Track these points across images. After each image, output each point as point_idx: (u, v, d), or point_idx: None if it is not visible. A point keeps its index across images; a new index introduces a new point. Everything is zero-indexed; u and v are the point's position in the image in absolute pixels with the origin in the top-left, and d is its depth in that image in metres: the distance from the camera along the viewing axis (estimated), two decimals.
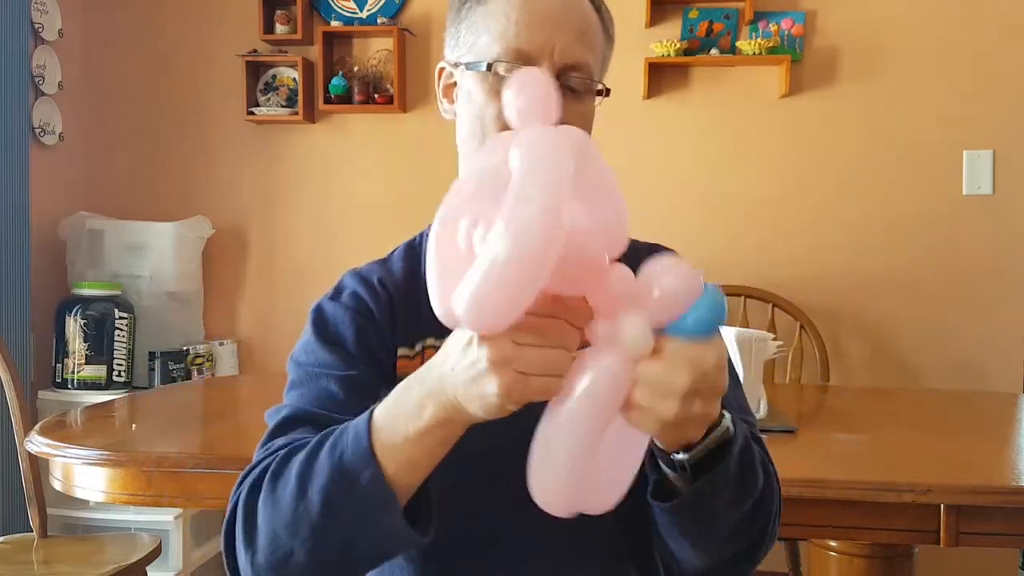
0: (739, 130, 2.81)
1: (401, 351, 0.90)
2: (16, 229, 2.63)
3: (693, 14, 2.78)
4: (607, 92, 0.92)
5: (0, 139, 2.58)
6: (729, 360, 0.97)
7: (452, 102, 0.95)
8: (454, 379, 0.65)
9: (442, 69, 0.97)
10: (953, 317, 2.72)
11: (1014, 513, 1.24)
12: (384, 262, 0.98)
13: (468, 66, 0.90)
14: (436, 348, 0.87)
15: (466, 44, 0.91)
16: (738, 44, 2.72)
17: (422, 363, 0.88)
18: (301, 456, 0.74)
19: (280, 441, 0.81)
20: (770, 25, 2.74)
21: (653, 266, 0.63)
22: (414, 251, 0.98)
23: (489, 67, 0.87)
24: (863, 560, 1.91)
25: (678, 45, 2.72)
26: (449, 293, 0.61)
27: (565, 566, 0.87)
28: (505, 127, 0.87)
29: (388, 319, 0.90)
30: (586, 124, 0.91)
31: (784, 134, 2.79)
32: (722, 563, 0.82)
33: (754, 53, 2.68)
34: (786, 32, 2.74)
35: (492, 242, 0.57)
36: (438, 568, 0.87)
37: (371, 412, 0.72)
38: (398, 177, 2.95)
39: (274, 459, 0.77)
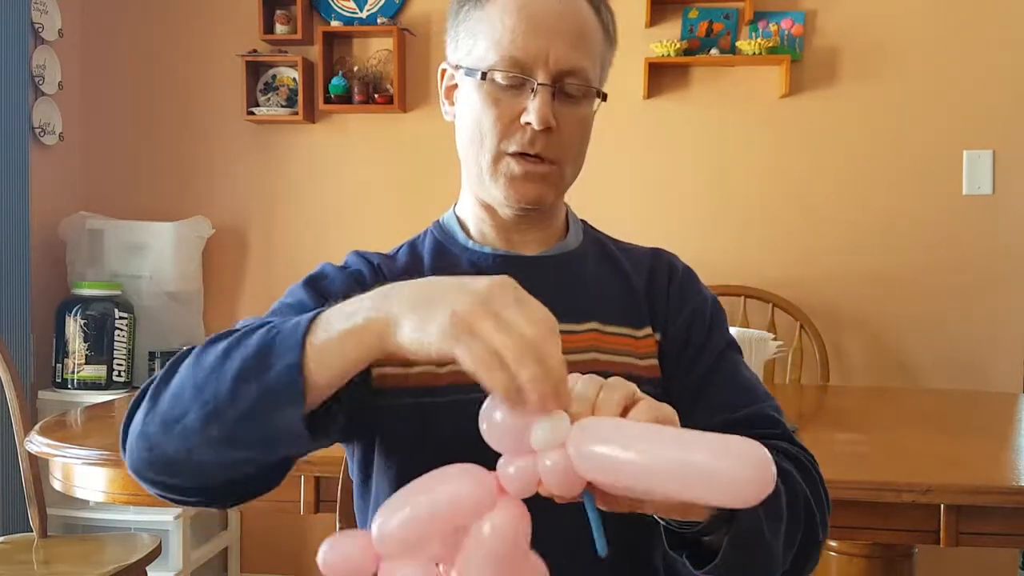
0: (739, 130, 2.81)
1: None
2: (16, 229, 2.63)
3: (693, 14, 2.78)
4: (604, 97, 0.92)
5: (0, 139, 2.58)
6: (739, 348, 0.97)
7: (453, 104, 0.96)
8: (408, 295, 0.63)
9: (444, 70, 0.97)
10: (953, 317, 2.71)
11: (1014, 513, 1.24)
12: (386, 256, 0.99)
13: (467, 72, 0.90)
14: None
15: (465, 47, 0.91)
16: (738, 44, 2.72)
17: None
18: (238, 333, 0.71)
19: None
20: (770, 25, 2.74)
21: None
22: (415, 250, 0.99)
23: (484, 75, 0.87)
24: (863, 560, 1.91)
25: (678, 45, 2.72)
26: None
27: (564, 561, 0.86)
28: (505, 131, 0.88)
29: None
30: (583, 129, 0.92)
31: (784, 134, 2.79)
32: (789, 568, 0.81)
33: (754, 53, 2.68)
34: (786, 32, 2.74)
35: None
36: None
37: (320, 310, 0.68)
38: (398, 177, 2.95)
39: (212, 337, 0.74)
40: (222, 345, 0.69)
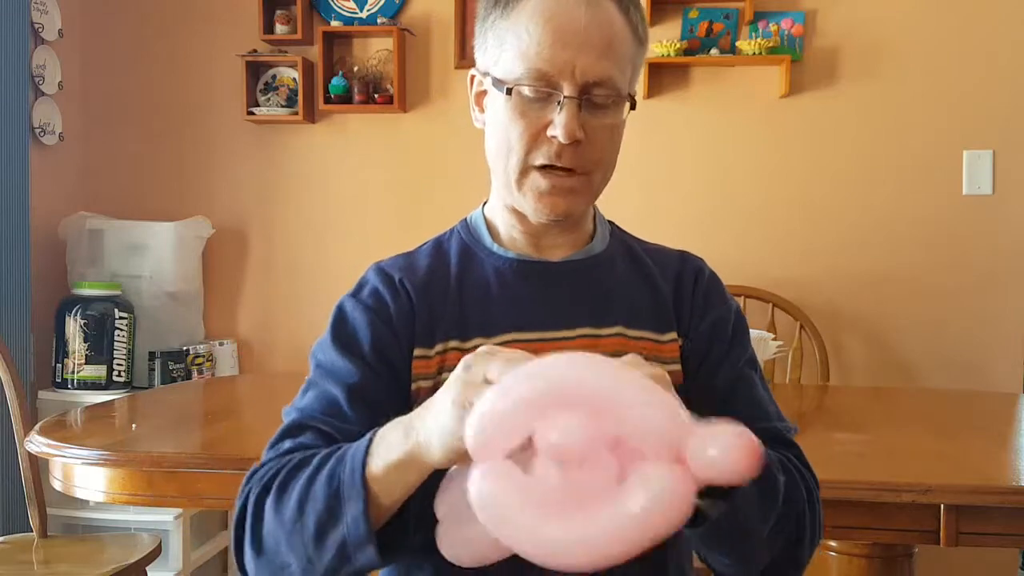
0: (739, 130, 2.81)
1: (418, 351, 0.90)
2: (16, 229, 2.63)
3: (693, 14, 2.78)
4: (633, 103, 0.91)
5: (0, 139, 2.58)
6: (757, 363, 0.97)
7: (483, 111, 0.95)
8: (428, 420, 0.70)
9: (473, 76, 0.96)
10: (953, 317, 2.72)
11: (1014, 513, 1.24)
12: (409, 257, 0.97)
13: (494, 83, 0.90)
14: (459, 350, 0.89)
15: (492, 56, 0.90)
16: (738, 44, 2.72)
17: (440, 364, 0.90)
18: (305, 475, 0.78)
19: (287, 444, 0.84)
20: (770, 25, 2.74)
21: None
22: (441, 248, 0.98)
23: (510, 91, 0.87)
24: (863, 560, 1.91)
25: (678, 45, 2.72)
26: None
27: None
28: (532, 144, 0.87)
29: (407, 320, 0.91)
30: (613, 137, 0.91)
31: (784, 134, 2.79)
32: (769, 566, 0.84)
33: (754, 53, 2.68)
34: (786, 32, 2.74)
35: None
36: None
37: (371, 437, 0.75)
38: (398, 177, 2.95)
39: (282, 466, 0.80)
40: (295, 495, 0.77)
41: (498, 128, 0.90)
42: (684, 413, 0.60)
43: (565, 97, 0.85)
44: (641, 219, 2.82)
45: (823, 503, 0.88)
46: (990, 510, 1.24)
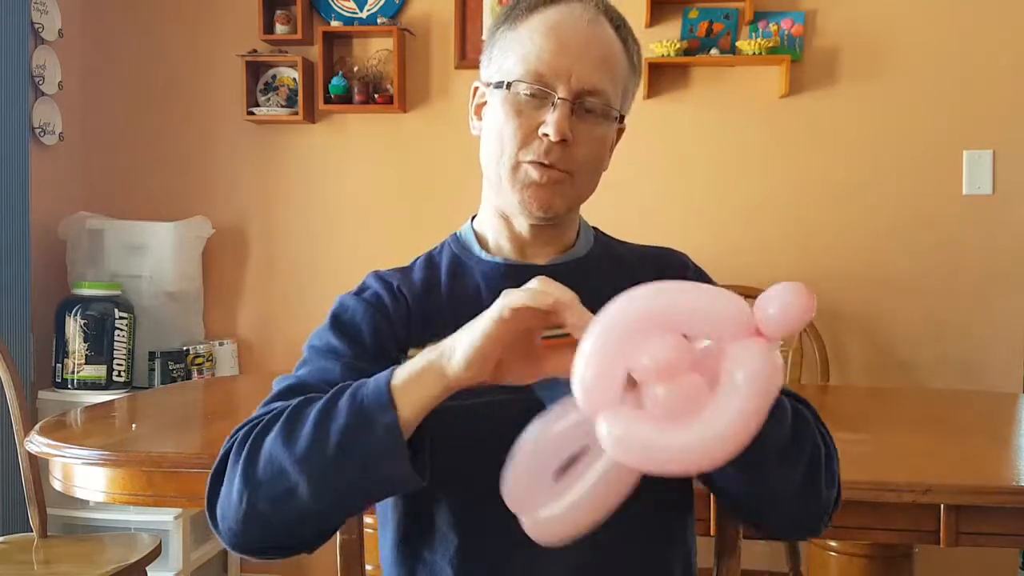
0: (739, 130, 2.81)
1: (411, 352, 0.92)
2: (16, 229, 2.63)
3: (693, 14, 2.78)
4: (622, 121, 0.97)
5: (0, 139, 2.58)
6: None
7: (481, 120, 1.00)
8: (454, 335, 0.75)
9: (476, 88, 1.01)
10: (953, 317, 2.71)
11: (1014, 513, 1.24)
12: (404, 271, 1.01)
13: (495, 86, 0.95)
14: None
15: (496, 64, 0.96)
16: (738, 44, 2.72)
17: None
18: (320, 403, 0.78)
19: (280, 404, 0.85)
20: (770, 25, 2.74)
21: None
22: (433, 262, 1.02)
23: (509, 86, 0.92)
24: (863, 560, 1.92)
25: (678, 45, 2.72)
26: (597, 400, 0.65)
27: (598, 546, 0.84)
28: (524, 141, 0.91)
29: (404, 321, 0.95)
30: (599, 147, 0.95)
31: (784, 134, 2.79)
32: (780, 499, 0.89)
33: (754, 53, 2.68)
34: (786, 32, 2.74)
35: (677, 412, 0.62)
36: (473, 550, 0.90)
37: (393, 368, 0.78)
38: (398, 177, 2.95)
39: (283, 409, 0.81)
40: (310, 420, 0.77)
41: (494, 128, 0.94)
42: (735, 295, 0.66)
43: (559, 99, 0.90)
44: (641, 219, 2.84)
45: None
46: (990, 510, 1.24)
